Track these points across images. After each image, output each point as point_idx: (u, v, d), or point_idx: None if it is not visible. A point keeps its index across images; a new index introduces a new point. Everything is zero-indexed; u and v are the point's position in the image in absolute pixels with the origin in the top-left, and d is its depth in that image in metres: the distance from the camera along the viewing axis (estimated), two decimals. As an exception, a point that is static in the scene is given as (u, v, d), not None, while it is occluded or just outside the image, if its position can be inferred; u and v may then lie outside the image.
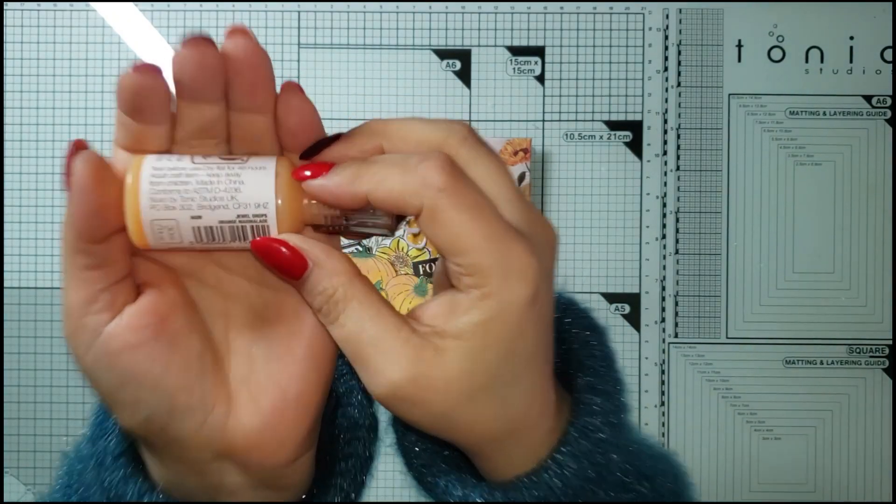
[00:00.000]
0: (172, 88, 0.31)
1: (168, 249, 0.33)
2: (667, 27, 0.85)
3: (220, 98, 0.32)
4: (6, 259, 0.86)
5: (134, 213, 0.31)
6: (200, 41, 0.31)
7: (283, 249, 0.31)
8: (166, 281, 0.33)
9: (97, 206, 0.30)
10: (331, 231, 0.33)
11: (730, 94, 0.85)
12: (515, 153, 0.84)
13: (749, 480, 0.87)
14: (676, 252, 0.86)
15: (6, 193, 0.86)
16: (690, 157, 0.86)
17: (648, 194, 0.86)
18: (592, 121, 0.85)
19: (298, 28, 0.85)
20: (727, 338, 0.86)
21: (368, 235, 0.34)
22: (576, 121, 0.85)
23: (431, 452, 0.36)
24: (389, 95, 0.84)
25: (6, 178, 0.86)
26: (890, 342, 0.86)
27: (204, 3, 0.86)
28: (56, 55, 0.86)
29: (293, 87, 0.32)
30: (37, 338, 0.86)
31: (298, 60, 0.84)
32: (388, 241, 0.83)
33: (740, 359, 0.86)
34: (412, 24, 0.85)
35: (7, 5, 0.87)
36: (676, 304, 0.86)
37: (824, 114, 0.86)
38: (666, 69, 0.85)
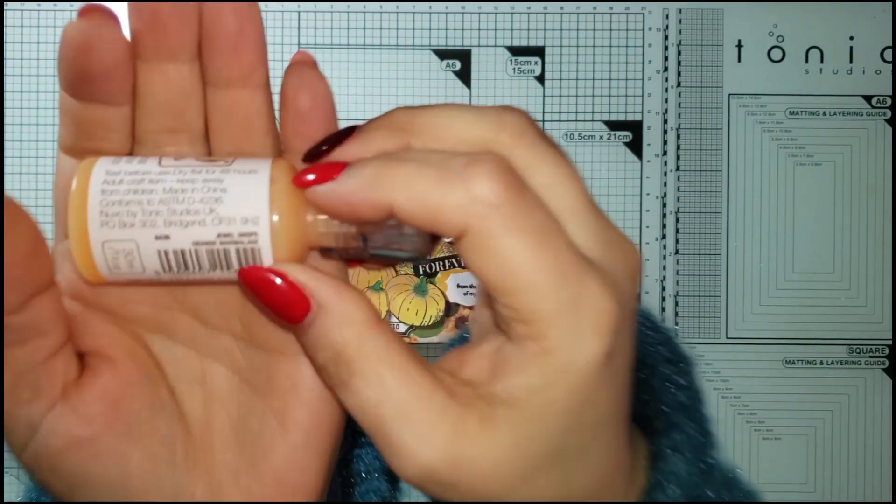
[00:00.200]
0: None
1: (127, 284, 0.25)
2: (667, 27, 0.85)
3: (194, 56, 0.24)
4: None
5: (79, 233, 0.23)
6: None
7: (279, 282, 0.23)
8: (120, 346, 0.26)
9: (6, 263, 0.22)
10: (344, 258, 0.25)
11: (730, 95, 0.85)
12: (515, 153, 0.84)
13: (749, 480, 0.87)
14: (676, 252, 0.86)
15: (6, 193, 0.86)
16: (690, 158, 0.86)
17: (648, 194, 0.86)
18: (592, 121, 0.85)
19: (298, 28, 0.85)
20: (727, 338, 0.86)
21: (393, 263, 0.25)
22: (576, 121, 0.85)
23: None
24: (389, 96, 0.84)
25: (6, 178, 0.86)
26: (890, 342, 0.86)
27: (204, 4, 0.86)
28: (56, 55, 0.86)
29: (306, 59, 0.25)
30: (37, 338, 0.86)
31: (298, 60, 0.84)
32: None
33: (740, 359, 0.86)
34: (412, 24, 0.85)
35: (7, 5, 0.87)
36: (676, 304, 0.86)
37: (824, 114, 0.85)
38: (666, 69, 0.85)
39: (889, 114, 0.85)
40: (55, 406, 0.24)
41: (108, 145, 0.24)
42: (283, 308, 0.24)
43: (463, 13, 0.85)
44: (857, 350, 0.86)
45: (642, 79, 0.85)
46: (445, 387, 0.23)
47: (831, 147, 0.86)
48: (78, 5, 0.87)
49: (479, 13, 0.85)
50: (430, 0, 0.85)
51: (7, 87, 0.86)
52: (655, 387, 0.30)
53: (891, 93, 0.85)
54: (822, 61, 0.85)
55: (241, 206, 0.23)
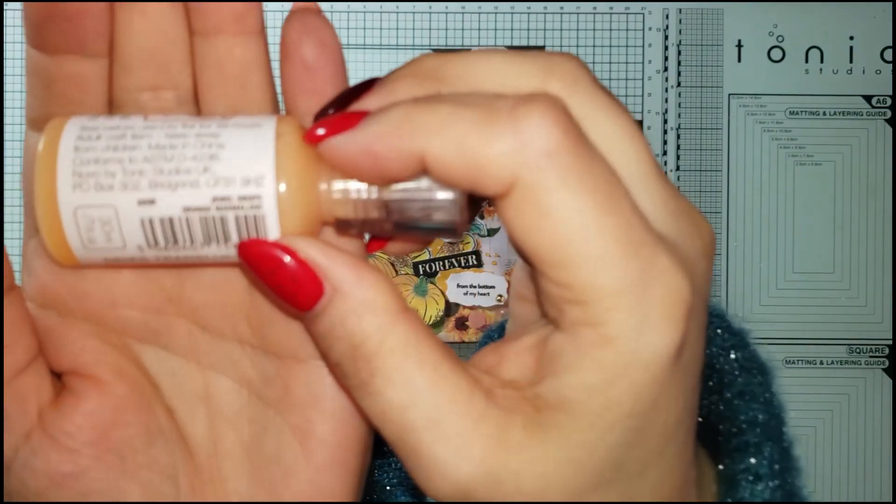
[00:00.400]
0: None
1: (105, 266, 0.21)
2: (667, 27, 0.85)
3: None
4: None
5: (47, 198, 0.20)
6: None
7: (288, 260, 0.20)
8: (106, 363, 0.22)
9: None
10: (363, 232, 0.21)
11: (730, 95, 0.85)
12: (515, 153, 0.84)
13: None
14: (676, 252, 0.86)
15: (6, 193, 0.86)
16: (690, 158, 0.86)
17: (648, 194, 0.86)
18: (592, 121, 0.85)
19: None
20: (727, 338, 0.86)
21: (424, 237, 0.21)
22: (576, 121, 0.85)
23: None
24: (389, 95, 0.84)
25: (6, 177, 0.86)
26: (890, 342, 0.86)
27: (204, 4, 0.86)
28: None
29: (309, 6, 0.21)
30: (37, 338, 0.86)
31: (298, 60, 0.84)
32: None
33: (740, 359, 0.86)
34: (412, 24, 0.85)
35: (7, 5, 0.87)
36: (676, 304, 0.86)
37: (824, 114, 0.85)
38: (666, 69, 0.85)
39: (889, 114, 0.85)
40: (31, 437, 0.20)
41: (82, 109, 0.21)
42: (291, 291, 0.20)
43: (463, 13, 0.85)
44: (857, 350, 0.86)
45: (642, 79, 0.85)
46: (483, 388, 0.19)
47: (831, 147, 0.86)
48: (78, 5, 0.87)
49: (479, 13, 0.85)
50: (430, 0, 0.85)
51: (7, 87, 0.86)
52: (728, 399, 0.25)
53: (891, 93, 0.85)
54: (822, 61, 0.85)
55: (242, 163, 0.19)
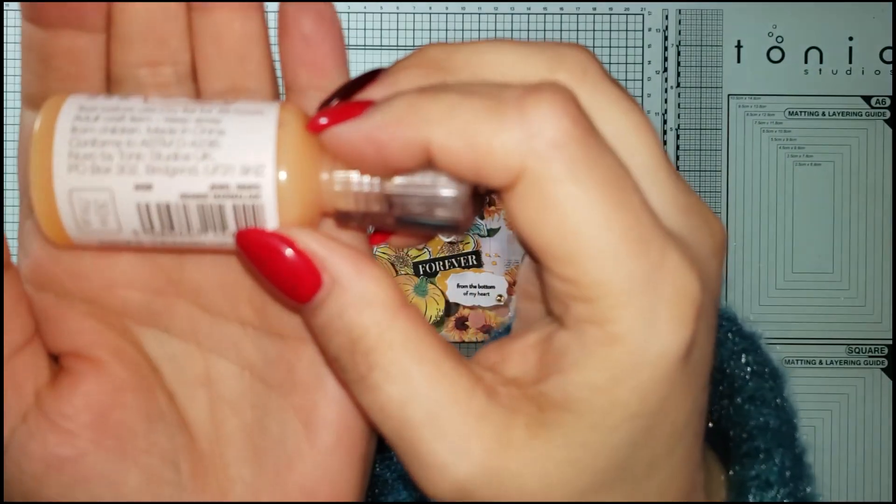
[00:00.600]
0: None
1: (100, 248, 0.21)
2: (666, 28, 0.86)
3: None
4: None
5: (42, 178, 0.19)
6: None
7: (286, 251, 0.19)
8: (104, 344, 0.21)
9: None
10: (364, 226, 0.21)
11: (729, 95, 0.85)
12: (515, 153, 0.84)
13: None
14: (676, 252, 0.86)
15: (6, 193, 0.86)
16: (690, 158, 0.86)
17: (648, 194, 0.86)
18: (592, 121, 0.86)
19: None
20: (727, 338, 0.86)
21: (426, 233, 0.21)
22: (575, 121, 0.85)
23: None
24: (389, 96, 0.84)
25: (6, 177, 0.86)
26: (889, 342, 0.86)
27: (204, 4, 0.86)
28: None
29: None
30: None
31: (298, 61, 0.84)
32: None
33: (740, 359, 0.86)
34: (412, 25, 0.85)
35: (7, 5, 0.87)
36: (676, 304, 0.86)
37: (823, 114, 0.86)
38: (665, 70, 0.85)
39: (888, 114, 0.85)
40: (27, 419, 0.20)
41: (80, 86, 0.20)
42: (289, 282, 0.19)
43: (463, 13, 0.85)
44: (857, 350, 0.86)
45: (642, 79, 0.85)
46: (485, 386, 0.19)
47: (831, 147, 0.86)
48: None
49: (479, 13, 0.85)
50: (430, 0, 0.85)
51: (7, 87, 0.86)
52: (739, 404, 0.25)
53: (890, 93, 0.85)
54: (821, 62, 0.85)
55: (242, 151, 0.19)
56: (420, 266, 0.82)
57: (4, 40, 0.86)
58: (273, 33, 0.21)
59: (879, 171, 0.86)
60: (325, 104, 0.20)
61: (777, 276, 0.86)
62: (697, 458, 0.21)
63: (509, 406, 0.19)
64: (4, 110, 0.86)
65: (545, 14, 0.85)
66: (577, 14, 0.85)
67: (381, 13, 0.85)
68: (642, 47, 0.85)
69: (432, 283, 0.80)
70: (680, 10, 0.86)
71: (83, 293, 0.22)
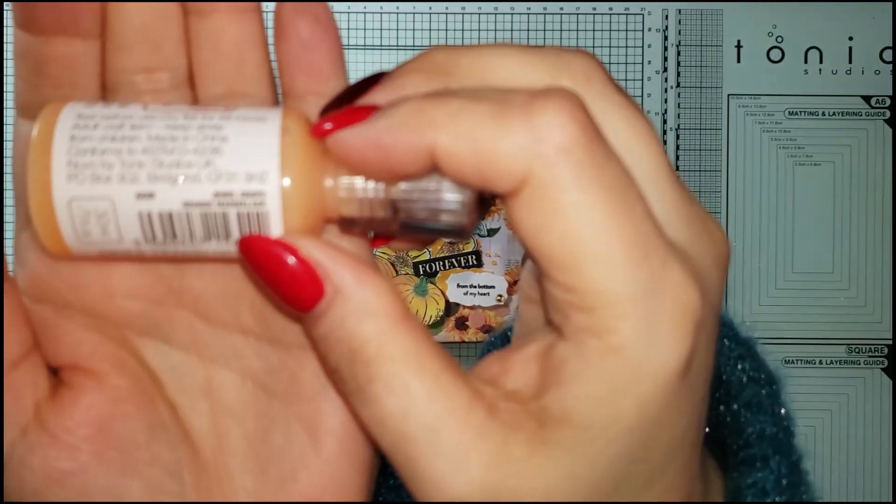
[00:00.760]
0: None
1: (99, 258, 0.21)
2: (666, 28, 0.86)
3: None
4: (6, 259, 0.86)
5: (41, 188, 0.19)
6: None
7: (289, 259, 0.19)
8: (104, 356, 0.21)
9: None
10: (368, 232, 0.21)
11: (729, 95, 0.85)
12: (515, 153, 0.84)
13: None
14: (676, 252, 0.86)
15: (6, 193, 0.86)
16: (690, 158, 0.86)
17: (648, 194, 0.86)
18: (592, 121, 0.86)
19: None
20: (727, 338, 0.86)
21: (430, 237, 0.21)
22: (575, 121, 0.85)
23: None
24: (389, 96, 0.84)
25: (6, 177, 0.86)
26: (889, 342, 0.86)
27: (204, 4, 0.86)
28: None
29: None
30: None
31: (298, 61, 0.84)
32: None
33: (740, 359, 0.86)
34: (412, 25, 0.85)
35: (7, 5, 0.86)
36: (676, 304, 0.86)
37: (823, 114, 0.86)
38: (665, 70, 0.85)
39: (888, 114, 0.85)
40: (27, 433, 0.19)
41: (75, 93, 0.20)
42: (291, 290, 0.19)
43: (463, 13, 0.85)
44: (857, 350, 0.86)
45: (642, 79, 0.85)
46: (485, 401, 0.19)
47: (830, 147, 0.86)
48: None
49: (479, 13, 0.85)
50: (430, 0, 0.85)
51: (7, 87, 0.86)
52: (735, 410, 0.24)
53: (890, 93, 0.85)
54: (821, 62, 0.85)
55: (246, 158, 0.19)
56: (420, 266, 0.82)
57: (4, 41, 0.86)
58: (271, 34, 0.21)
59: (879, 171, 0.86)
60: (329, 108, 0.20)
61: (777, 276, 0.86)
62: (696, 468, 0.21)
63: (509, 422, 0.18)
64: (4, 109, 0.86)
65: (545, 14, 0.85)
66: (577, 14, 0.85)
67: (381, 13, 0.85)
68: (642, 47, 0.86)
69: (432, 283, 0.80)
70: (680, 10, 0.86)
71: (82, 304, 0.21)
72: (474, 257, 0.80)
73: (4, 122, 0.86)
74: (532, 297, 0.22)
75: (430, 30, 0.85)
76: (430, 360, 0.19)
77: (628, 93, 0.20)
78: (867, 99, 0.85)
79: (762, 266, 0.86)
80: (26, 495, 0.20)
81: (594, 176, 0.17)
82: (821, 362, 0.86)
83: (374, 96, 0.19)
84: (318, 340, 0.20)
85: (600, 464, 0.18)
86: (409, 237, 0.21)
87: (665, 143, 0.86)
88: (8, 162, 0.86)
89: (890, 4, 0.85)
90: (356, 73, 0.20)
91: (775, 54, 0.86)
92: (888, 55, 0.85)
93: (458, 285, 0.80)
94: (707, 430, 0.22)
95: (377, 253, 0.83)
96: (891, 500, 0.85)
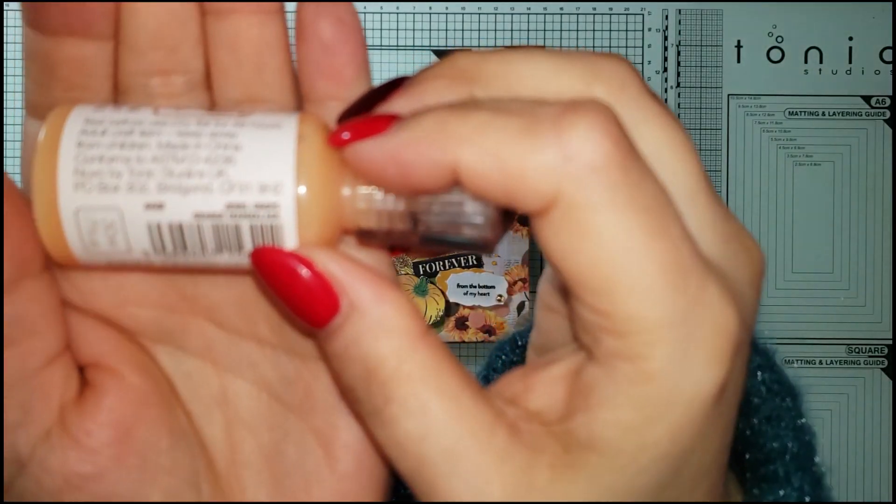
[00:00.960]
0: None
1: (107, 267, 0.20)
2: (666, 28, 0.86)
3: None
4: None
5: (47, 196, 0.18)
6: None
7: (304, 272, 0.18)
8: (125, 354, 0.20)
9: None
10: (386, 244, 0.20)
11: (729, 95, 0.85)
12: (515, 153, 0.84)
13: None
14: (676, 252, 0.86)
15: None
16: (690, 158, 0.86)
17: (648, 194, 0.86)
18: (592, 121, 0.85)
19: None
20: (727, 338, 0.86)
21: (451, 250, 0.20)
22: (575, 121, 0.85)
23: None
24: (389, 96, 0.84)
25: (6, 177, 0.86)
26: (889, 342, 0.86)
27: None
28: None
29: None
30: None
31: (298, 61, 0.84)
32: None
33: (740, 359, 0.86)
34: (412, 25, 0.85)
35: (7, 5, 0.87)
36: (676, 304, 0.86)
37: (823, 114, 0.86)
38: (666, 69, 0.85)
39: (888, 114, 0.85)
40: (50, 436, 0.19)
41: (86, 96, 0.19)
42: (305, 305, 0.18)
43: (463, 13, 0.85)
44: (857, 350, 0.86)
45: (642, 79, 0.85)
46: (507, 422, 0.18)
47: (830, 147, 0.86)
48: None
49: (479, 13, 0.85)
50: (430, 0, 0.85)
51: (7, 87, 0.86)
52: (756, 424, 0.24)
53: (890, 93, 0.85)
54: (821, 62, 0.85)
55: (260, 168, 0.18)
56: (420, 266, 0.82)
57: (4, 40, 0.87)
58: (291, 33, 0.21)
59: (879, 171, 0.86)
60: (347, 115, 0.19)
61: (777, 276, 0.86)
62: (721, 490, 0.20)
63: (532, 445, 0.18)
64: (4, 110, 0.86)
65: (545, 14, 0.85)
66: (577, 14, 0.85)
67: (381, 13, 0.85)
68: (642, 47, 0.86)
69: (432, 283, 0.80)
70: (680, 10, 0.86)
71: (94, 311, 0.21)
72: (474, 257, 0.80)
73: (4, 123, 0.86)
74: (552, 306, 0.21)
75: (429, 30, 0.85)
76: (450, 380, 0.18)
77: (663, 100, 0.18)
78: (867, 99, 0.85)
79: (762, 266, 0.86)
80: (44, 497, 0.19)
81: (628, 196, 0.16)
82: (821, 362, 0.86)
83: (395, 104, 0.18)
84: (332, 358, 0.19)
85: (629, 494, 0.17)
86: (429, 249, 0.19)
87: (665, 143, 0.86)
88: (8, 162, 0.86)
89: (890, 4, 0.85)
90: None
91: (775, 54, 0.86)
92: (888, 55, 0.85)
93: (458, 285, 0.80)
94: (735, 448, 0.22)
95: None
96: (891, 500, 0.85)
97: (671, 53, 0.85)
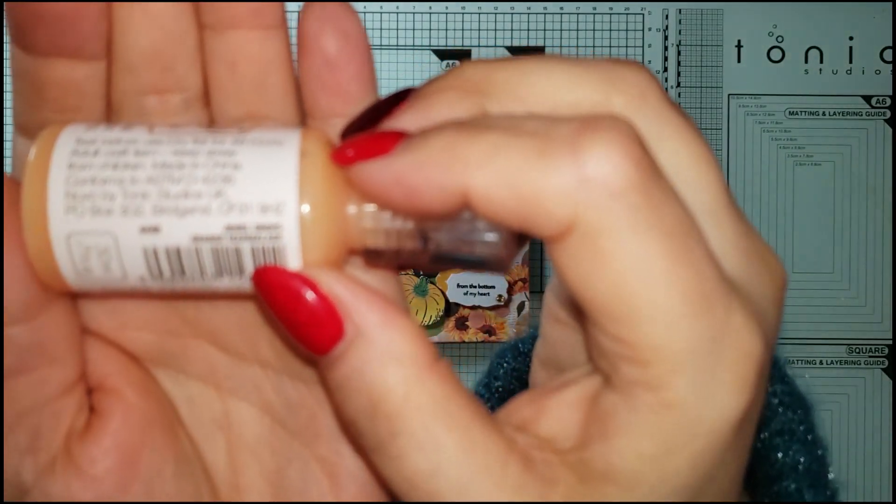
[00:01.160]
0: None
1: (102, 293, 0.19)
2: (666, 27, 0.85)
3: None
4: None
5: (36, 221, 0.17)
6: None
7: (308, 295, 0.17)
8: (129, 376, 0.20)
9: (7, 250, 0.16)
10: (394, 264, 0.19)
11: (729, 95, 0.85)
12: (515, 153, 0.84)
13: None
14: (676, 252, 0.86)
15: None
16: (690, 158, 0.86)
17: (648, 194, 0.86)
18: (592, 121, 0.85)
19: (291, 29, 0.85)
20: (727, 338, 0.86)
21: (462, 269, 0.18)
22: (575, 121, 0.85)
23: None
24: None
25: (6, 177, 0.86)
26: (890, 342, 0.86)
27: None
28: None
29: None
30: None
31: (298, 61, 0.84)
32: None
33: (740, 359, 0.86)
34: (412, 24, 0.85)
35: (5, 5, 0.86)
36: (676, 304, 0.86)
37: (824, 114, 0.86)
38: (666, 69, 0.85)
39: (888, 114, 0.85)
40: (54, 465, 0.18)
41: (78, 116, 0.18)
42: (307, 329, 0.17)
43: (463, 13, 0.85)
44: (857, 350, 0.86)
45: (642, 79, 0.85)
46: (519, 452, 0.17)
47: (831, 147, 0.86)
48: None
49: (479, 13, 0.85)
50: (430, 0, 0.85)
51: (7, 87, 0.86)
52: (766, 438, 0.23)
53: (890, 93, 0.85)
54: (821, 61, 0.85)
55: (261, 187, 0.17)
56: (420, 266, 0.82)
57: (4, 40, 0.86)
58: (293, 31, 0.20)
59: (880, 170, 0.86)
60: (351, 130, 0.18)
61: (777, 276, 0.86)
62: None
63: (546, 476, 0.17)
64: (4, 110, 0.86)
65: (545, 14, 0.85)
66: (577, 14, 0.85)
67: (381, 13, 0.85)
68: (642, 47, 0.85)
69: (432, 283, 0.80)
70: (680, 10, 0.86)
71: (92, 334, 0.20)
72: (474, 257, 0.80)
73: (4, 123, 0.86)
74: (560, 318, 0.20)
75: (429, 29, 0.85)
76: (461, 410, 0.17)
77: (684, 110, 0.18)
78: (867, 99, 0.85)
79: (762, 266, 0.86)
80: None
81: (650, 220, 0.15)
82: (821, 362, 0.86)
83: (402, 119, 0.17)
84: (334, 388, 0.18)
85: None
86: (437, 267, 0.19)
87: (665, 142, 0.86)
88: (8, 162, 0.86)
89: (890, 4, 0.85)
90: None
91: (776, 54, 0.86)
92: (888, 55, 0.85)
93: (458, 285, 0.80)
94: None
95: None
96: (891, 500, 0.85)
97: (671, 53, 0.85)
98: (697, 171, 0.17)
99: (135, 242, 0.17)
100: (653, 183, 0.16)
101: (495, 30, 0.85)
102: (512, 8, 0.85)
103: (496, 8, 0.85)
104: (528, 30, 0.85)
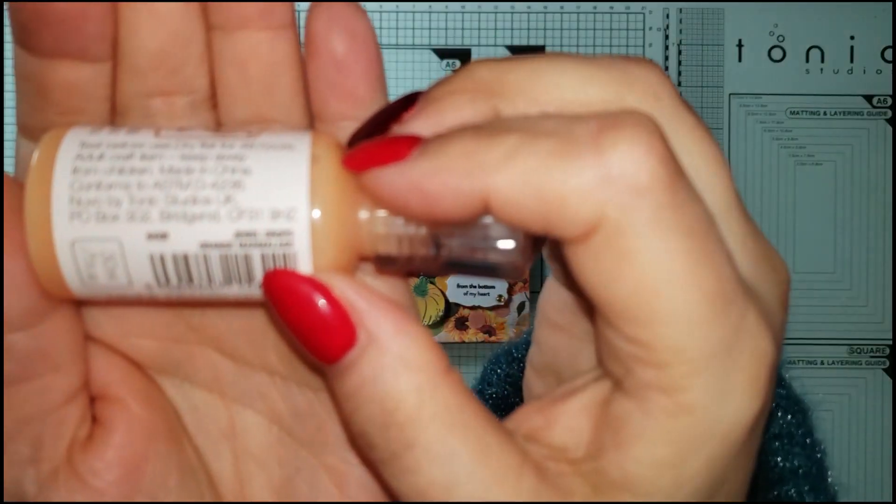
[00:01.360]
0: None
1: (107, 300, 0.19)
2: (667, 27, 0.85)
3: None
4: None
5: (40, 227, 0.17)
6: None
7: (319, 301, 0.17)
8: (132, 384, 0.19)
9: (7, 254, 0.16)
10: (410, 269, 0.18)
11: (730, 94, 0.85)
12: (515, 153, 0.84)
13: None
14: (677, 252, 0.86)
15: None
16: (691, 157, 0.86)
17: (649, 194, 0.86)
18: (593, 121, 0.85)
19: (299, 29, 0.85)
20: (727, 338, 0.86)
21: (476, 275, 0.18)
22: (576, 121, 0.85)
23: None
24: (390, 96, 0.84)
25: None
26: (890, 342, 0.86)
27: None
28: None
29: None
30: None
31: (298, 60, 0.84)
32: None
33: (740, 359, 0.86)
34: (412, 24, 0.85)
35: (7, 5, 0.86)
36: (677, 304, 0.86)
37: (825, 114, 0.85)
38: (666, 69, 0.85)
39: (889, 113, 0.85)
40: (57, 475, 0.18)
41: (82, 119, 0.18)
42: (318, 336, 0.17)
43: (463, 13, 0.85)
44: (858, 350, 0.86)
45: (642, 78, 0.85)
46: (533, 462, 0.16)
47: (832, 147, 0.86)
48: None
49: (479, 13, 0.85)
50: (430, 0, 0.85)
51: (7, 86, 0.86)
52: (766, 441, 0.23)
53: (891, 93, 0.85)
54: (822, 61, 0.85)
55: (271, 193, 0.17)
56: (420, 266, 0.82)
57: (4, 40, 0.86)
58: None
59: (881, 170, 0.85)
60: (360, 135, 0.18)
61: (778, 276, 0.86)
62: None
63: (560, 486, 0.16)
64: (4, 110, 0.86)
65: (545, 13, 0.85)
66: (578, 13, 0.85)
67: (381, 12, 0.85)
68: (643, 46, 0.85)
69: (432, 283, 0.80)
70: (681, 9, 0.85)
71: (95, 341, 0.20)
72: (474, 257, 0.80)
73: (4, 123, 0.86)
74: (557, 323, 0.20)
75: (429, 29, 0.85)
76: (475, 420, 0.16)
77: (695, 109, 0.18)
78: (869, 98, 0.85)
79: (763, 266, 0.86)
80: None
81: (675, 220, 0.15)
82: (822, 362, 0.86)
83: (413, 124, 0.17)
84: (344, 398, 0.17)
85: None
86: (452, 273, 0.18)
87: (666, 142, 0.86)
88: (8, 162, 0.86)
89: (890, 4, 0.85)
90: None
91: (777, 53, 0.85)
92: (890, 54, 0.85)
93: (458, 285, 0.80)
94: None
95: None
96: (891, 500, 0.85)
97: (672, 52, 0.85)
98: (709, 171, 0.17)
99: (141, 249, 0.17)
100: (678, 181, 0.15)
101: (495, 29, 0.85)
102: (512, 7, 0.85)
103: (496, 7, 0.85)
104: (529, 29, 0.85)
